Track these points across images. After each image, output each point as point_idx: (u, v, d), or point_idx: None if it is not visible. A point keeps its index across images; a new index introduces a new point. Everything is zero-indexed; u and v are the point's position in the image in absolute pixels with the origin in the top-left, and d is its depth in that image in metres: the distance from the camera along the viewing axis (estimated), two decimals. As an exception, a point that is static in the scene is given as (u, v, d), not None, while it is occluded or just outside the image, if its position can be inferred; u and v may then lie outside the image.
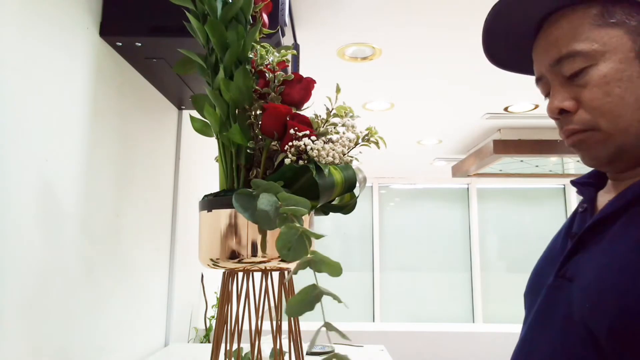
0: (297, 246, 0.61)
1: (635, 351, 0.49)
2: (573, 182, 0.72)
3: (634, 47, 0.57)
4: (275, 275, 0.80)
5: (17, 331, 0.76)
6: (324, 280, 0.63)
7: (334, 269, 0.61)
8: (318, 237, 0.62)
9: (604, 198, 0.65)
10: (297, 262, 0.61)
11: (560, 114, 0.61)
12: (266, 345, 0.78)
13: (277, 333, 0.76)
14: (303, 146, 0.71)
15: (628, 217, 0.56)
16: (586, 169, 0.70)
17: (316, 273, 0.61)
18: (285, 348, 0.77)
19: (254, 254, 0.73)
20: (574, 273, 0.59)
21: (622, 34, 0.57)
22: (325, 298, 0.60)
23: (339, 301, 0.58)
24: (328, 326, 0.60)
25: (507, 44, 0.68)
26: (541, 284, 0.65)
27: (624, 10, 0.58)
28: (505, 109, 2.84)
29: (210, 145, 1.01)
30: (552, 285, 0.62)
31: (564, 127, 0.62)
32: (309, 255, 0.61)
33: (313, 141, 0.72)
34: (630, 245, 0.53)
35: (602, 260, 0.56)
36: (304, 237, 0.61)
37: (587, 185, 0.69)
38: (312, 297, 0.58)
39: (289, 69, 0.93)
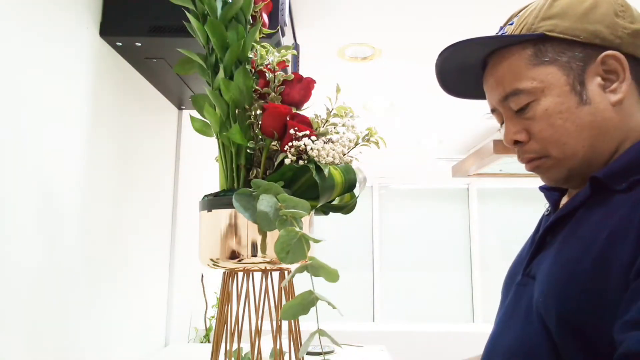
0: (296, 249, 0.61)
1: (578, 336, 0.55)
2: (541, 188, 0.77)
3: (568, 80, 0.63)
4: (275, 275, 0.80)
5: (17, 331, 0.76)
6: (324, 281, 0.63)
7: (331, 275, 0.61)
8: (317, 241, 0.62)
9: (564, 202, 0.72)
10: (296, 266, 0.62)
11: (515, 144, 0.68)
12: (266, 345, 0.79)
13: (277, 333, 0.76)
14: (303, 146, 0.71)
15: (576, 219, 0.63)
16: None
17: (314, 277, 0.62)
18: (285, 348, 0.77)
19: (254, 254, 0.73)
20: (535, 271, 0.65)
21: (556, 70, 0.63)
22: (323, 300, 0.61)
23: (334, 307, 0.58)
24: (321, 332, 0.60)
25: (459, 79, 0.75)
26: (512, 282, 0.71)
27: (555, 48, 0.63)
28: (505, 109, 2.84)
29: (210, 145, 1.01)
30: (519, 283, 0.68)
31: (521, 156, 0.69)
32: (307, 261, 0.61)
33: (313, 141, 0.72)
34: (575, 243, 0.60)
35: (554, 257, 0.62)
36: (302, 241, 0.61)
37: (552, 191, 0.74)
38: (307, 302, 0.59)
39: (289, 69, 0.93)
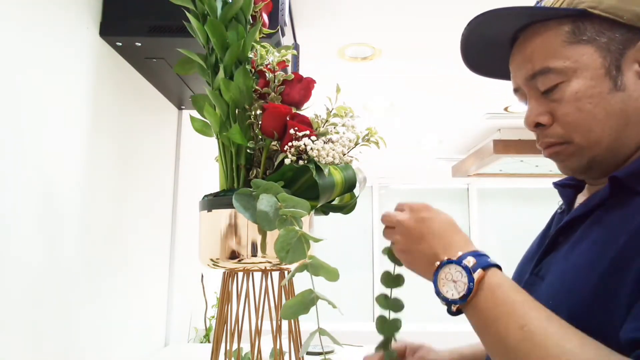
0: (296, 249, 0.61)
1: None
2: (555, 184, 0.74)
3: (604, 63, 0.59)
4: (275, 275, 0.80)
5: (17, 331, 0.76)
6: (324, 281, 0.63)
7: (332, 274, 0.61)
8: (317, 240, 0.62)
9: (580, 200, 0.68)
10: (296, 265, 0.61)
11: (536, 127, 0.65)
12: (266, 345, 0.79)
13: (277, 333, 0.76)
14: (303, 146, 0.71)
15: (591, 220, 0.60)
16: None
17: (314, 276, 0.61)
18: (285, 348, 0.77)
19: (254, 254, 0.73)
20: (545, 271, 0.63)
21: (592, 51, 0.59)
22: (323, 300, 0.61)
23: (334, 306, 0.58)
24: (322, 332, 0.60)
25: (485, 53, 0.71)
26: (520, 280, 0.68)
27: (595, 27, 0.60)
28: (505, 109, 2.84)
29: (210, 145, 1.01)
30: (527, 282, 0.65)
31: (541, 140, 0.65)
32: (307, 260, 0.61)
33: (313, 141, 0.72)
34: (587, 247, 0.57)
35: (565, 260, 0.60)
36: (302, 240, 0.61)
37: (567, 187, 0.71)
38: (308, 301, 0.59)
39: (289, 69, 0.93)
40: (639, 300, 0.48)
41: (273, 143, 0.76)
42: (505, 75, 0.72)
